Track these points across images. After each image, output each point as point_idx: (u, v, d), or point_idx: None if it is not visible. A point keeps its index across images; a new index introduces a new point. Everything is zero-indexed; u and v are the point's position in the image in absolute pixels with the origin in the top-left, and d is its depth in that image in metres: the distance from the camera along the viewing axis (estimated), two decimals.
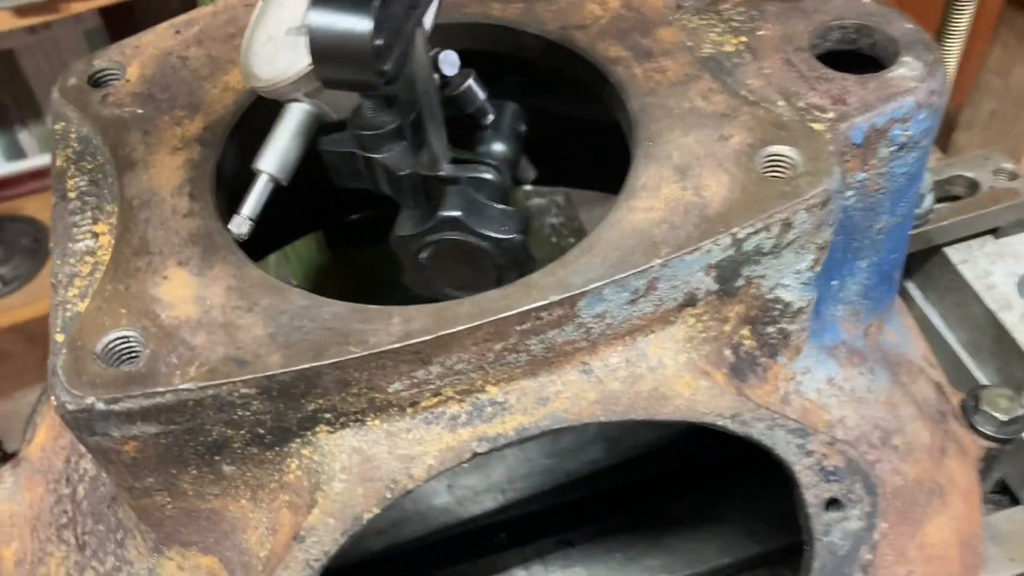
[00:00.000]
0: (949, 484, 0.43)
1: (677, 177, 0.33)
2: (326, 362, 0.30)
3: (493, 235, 0.35)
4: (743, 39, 0.38)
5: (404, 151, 0.35)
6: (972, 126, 1.35)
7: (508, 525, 0.61)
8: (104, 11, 1.33)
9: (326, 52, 0.30)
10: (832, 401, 0.39)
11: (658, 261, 0.31)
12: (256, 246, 0.34)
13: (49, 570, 0.41)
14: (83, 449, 0.42)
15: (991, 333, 0.55)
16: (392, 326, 0.30)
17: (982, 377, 0.56)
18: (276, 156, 0.35)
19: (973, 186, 0.57)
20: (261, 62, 0.35)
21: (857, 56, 0.39)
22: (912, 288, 0.61)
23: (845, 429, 0.38)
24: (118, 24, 1.38)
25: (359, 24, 0.29)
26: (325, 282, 0.74)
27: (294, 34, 0.35)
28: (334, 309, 0.31)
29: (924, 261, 0.59)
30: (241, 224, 0.34)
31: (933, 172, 0.55)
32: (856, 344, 0.42)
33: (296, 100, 0.35)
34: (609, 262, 0.31)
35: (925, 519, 0.41)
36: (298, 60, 0.34)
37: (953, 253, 0.57)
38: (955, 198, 0.58)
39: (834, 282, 0.41)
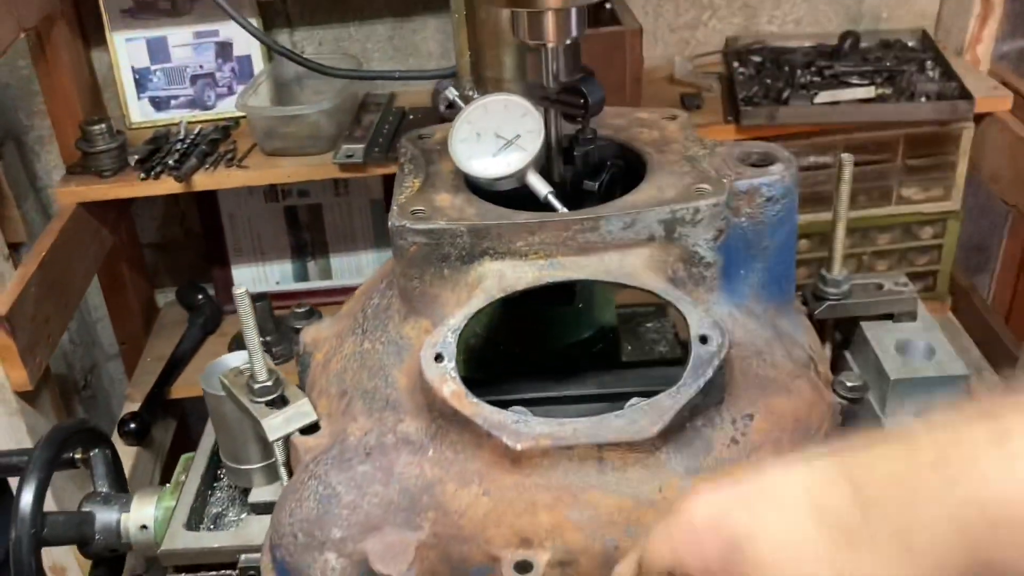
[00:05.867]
0: (797, 391, 0.79)
1: (657, 187, 0.78)
2: (492, 223, 0.75)
3: None
4: (707, 151, 0.83)
5: None
6: None
7: None
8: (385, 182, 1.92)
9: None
10: (727, 318, 0.79)
11: (634, 211, 0.75)
12: None
13: (344, 347, 0.85)
14: (373, 299, 0.88)
15: (876, 368, 0.92)
16: (522, 216, 0.75)
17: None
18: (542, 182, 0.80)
19: (880, 287, 0.96)
20: (473, 157, 0.80)
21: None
22: (849, 357, 0.98)
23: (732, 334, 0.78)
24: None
25: None
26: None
27: (502, 144, 0.81)
28: (501, 211, 0.77)
29: (851, 334, 0.97)
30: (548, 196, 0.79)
31: (859, 275, 0.95)
32: (756, 310, 0.82)
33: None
34: (616, 207, 0.75)
35: (775, 395, 0.78)
36: (512, 164, 0.81)
37: (865, 326, 0.95)
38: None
39: (741, 271, 0.81)
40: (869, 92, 1.60)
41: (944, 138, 1.67)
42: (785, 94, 1.62)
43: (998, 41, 1.85)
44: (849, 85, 1.63)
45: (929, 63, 1.69)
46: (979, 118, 1.66)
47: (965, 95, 1.58)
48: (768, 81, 1.66)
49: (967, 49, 1.77)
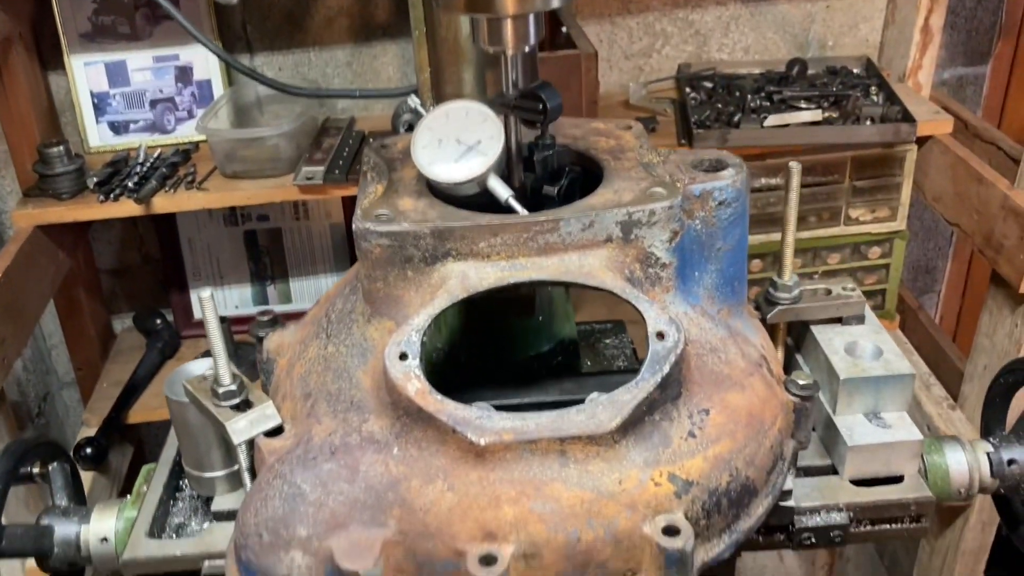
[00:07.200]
0: (751, 388, 0.82)
1: (614, 191, 0.80)
2: (455, 224, 0.77)
3: None
4: (661, 159, 0.86)
5: None
6: (973, 377, 1.72)
7: None
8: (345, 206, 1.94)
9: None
10: (683, 317, 0.81)
11: (592, 213, 0.77)
12: None
13: (308, 351, 0.87)
14: (337, 304, 0.89)
15: (826, 369, 0.95)
16: (484, 219, 0.77)
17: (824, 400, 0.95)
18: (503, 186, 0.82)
19: (829, 292, 0.99)
20: (435, 162, 0.83)
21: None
22: (800, 359, 1.01)
23: (687, 330, 0.80)
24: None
25: None
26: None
27: (464, 149, 0.84)
28: (463, 214, 0.79)
29: (802, 337, 1.00)
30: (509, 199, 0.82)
31: (808, 281, 0.98)
32: (710, 311, 0.85)
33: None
34: (575, 209, 0.78)
35: (730, 391, 0.80)
36: (474, 169, 0.83)
37: (815, 329, 0.98)
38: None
39: (696, 273, 0.84)
40: (816, 116, 1.66)
41: (889, 160, 1.73)
42: (736, 118, 1.66)
43: (937, 69, 1.92)
44: (797, 109, 1.68)
45: (873, 88, 1.75)
46: (921, 141, 1.72)
47: (908, 118, 1.64)
48: (719, 106, 1.71)
49: (909, 75, 1.84)
